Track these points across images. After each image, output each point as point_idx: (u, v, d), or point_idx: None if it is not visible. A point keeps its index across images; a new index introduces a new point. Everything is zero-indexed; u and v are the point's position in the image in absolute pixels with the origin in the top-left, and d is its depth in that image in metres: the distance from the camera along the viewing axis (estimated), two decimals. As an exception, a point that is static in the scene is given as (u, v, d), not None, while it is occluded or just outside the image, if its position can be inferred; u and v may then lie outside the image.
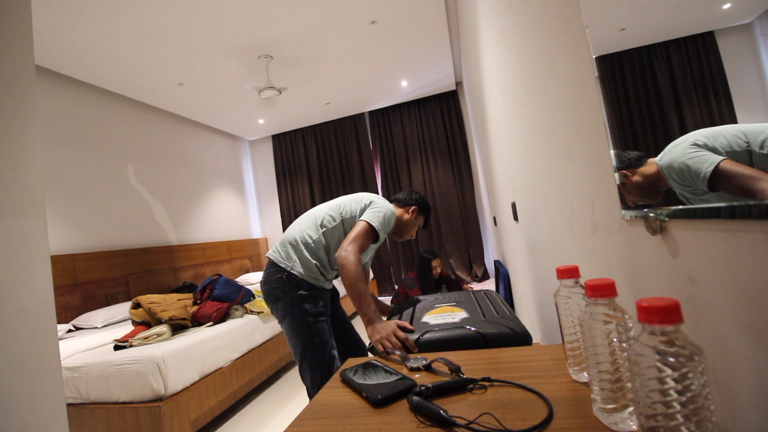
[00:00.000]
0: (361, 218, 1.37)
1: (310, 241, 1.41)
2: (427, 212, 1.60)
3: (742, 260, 0.35)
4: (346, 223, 1.43)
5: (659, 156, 0.44)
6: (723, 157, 0.35)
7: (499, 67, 1.57)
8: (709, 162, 0.36)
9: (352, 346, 1.53)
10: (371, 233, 1.35)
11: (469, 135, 5.19)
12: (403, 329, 1.00)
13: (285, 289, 1.36)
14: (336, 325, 1.51)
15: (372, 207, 1.42)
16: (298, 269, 1.38)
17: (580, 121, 0.69)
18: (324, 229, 1.43)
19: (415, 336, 0.96)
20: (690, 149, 0.39)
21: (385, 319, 1.20)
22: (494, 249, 4.43)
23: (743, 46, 0.34)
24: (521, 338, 0.90)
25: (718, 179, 0.36)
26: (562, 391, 0.57)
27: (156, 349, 1.94)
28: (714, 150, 0.36)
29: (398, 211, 1.55)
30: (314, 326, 1.34)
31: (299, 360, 1.35)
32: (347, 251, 1.25)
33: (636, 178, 0.50)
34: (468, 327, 0.95)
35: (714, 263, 0.39)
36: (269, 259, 1.44)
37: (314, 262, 1.39)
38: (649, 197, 0.50)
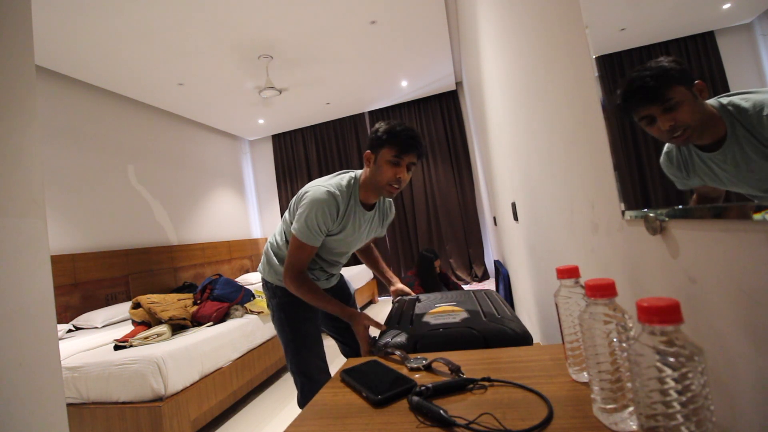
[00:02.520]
0: (292, 228, 1.19)
1: (277, 248, 1.34)
2: (384, 141, 1.16)
3: (741, 260, 0.35)
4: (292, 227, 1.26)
5: (722, 98, 0.35)
6: None
7: (499, 67, 1.57)
8: None
9: (351, 346, 1.51)
10: (301, 245, 1.17)
11: (469, 135, 5.19)
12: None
13: (268, 297, 1.37)
14: (338, 323, 1.44)
15: (300, 205, 1.18)
16: (271, 277, 1.34)
17: (580, 121, 0.69)
18: (288, 234, 1.30)
19: (403, 338, 0.97)
20: None
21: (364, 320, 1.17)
22: (494, 249, 4.43)
23: (743, 46, 0.34)
24: (522, 338, 0.90)
25: None
26: (562, 391, 0.57)
27: (156, 349, 1.94)
28: None
29: (364, 173, 1.25)
30: (291, 332, 1.30)
31: (287, 363, 1.36)
32: (284, 274, 1.19)
33: (703, 102, 0.37)
34: (469, 327, 0.95)
35: (714, 263, 0.39)
36: None
37: (282, 268, 1.28)
38: (701, 130, 0.38)
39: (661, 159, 0.43)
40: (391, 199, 1.44)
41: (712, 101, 0.35)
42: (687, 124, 0.39)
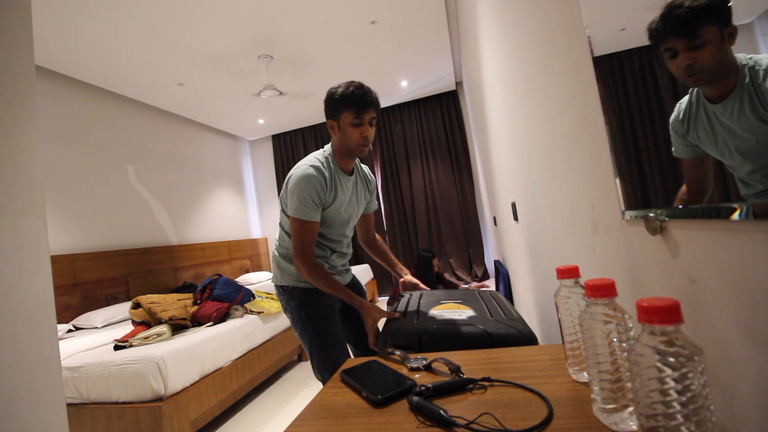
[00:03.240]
0: (288, 212, 1.24)
1: (282, 248, 1.36)
2: (339, 105, 1.20)
3: (742, 260, 0.35)
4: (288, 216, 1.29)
5: (744, 56, 0.34)
6: None
7: (498, 67, 1.57)
8: None
9: (362, 347, 1.46)
10: (302, 224, 1.20)
11: (469, 135, 5.19)
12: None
13: (285, 300, 1.36)
14: (354, 325, 1.42)
15: (288, 188, 1.24)
16: (286, 280, 1.34)
17: (580, 121, 0.69)
18: (287, 233, 1.34)
19: (409, 330, 0.97)
20: None
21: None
22: (494, 249, 4.43)
23: (743, 46, 0.34)
24: (528, 340, 0.89)
25: None
26: (562, 391, 0.57)
27: (156, 349, 1.94)
28: None
29: (332, 141, 1.31)
30: (315, 331, 1.30)
31: (312, 364, 1.35)
32: (296, 261, 1.21)
33: (728, 48, 0.35)
34: (476, 325, 0.94)
35: (714, 263, 0.39)
36: None
37: (293, 266, 1.31)
38: (713, 77, 0.38)
39: (672, 115, 0.43)
40: (367, 167, 1.49)
41: (738, 55, 0.34)
42: (704, 67, 0.38)
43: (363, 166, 1.46)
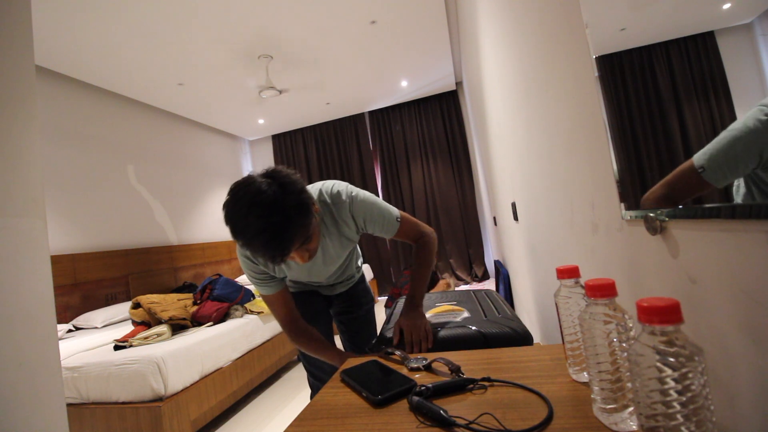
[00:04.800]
0: None
1: None
2: (232, 235, 0.80)
3: (742, 260, 0.35)
4: None
5: None
6: None
7: (499, 67, 1.57)
8: None
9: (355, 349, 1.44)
10: (265, 298, 1.10)
11: (469, 135, 5.19)
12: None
13: None
14: (347, 318, 1.40)
15: None
16: None
17: (580, 121, 0.69)
18: None
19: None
20: None
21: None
22: (494, 249, 4.43)
23: (743, 46, 0.34)
24: (522, 338, 0.90)
25: None
26: (562, 391, 0.57)
27: (156, 349, 1.94)
28: None
29: None
30: None
31: None
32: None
33: None
34: (470, 326, 0.95)
35: (714, 263, 0.39)
36: None
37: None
38: None
39: (741, 134, 0.36)
40: (346, 210, 1.04)
41: None
42: None
43: (333, 213, 1.04)
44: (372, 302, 1.48)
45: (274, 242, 0.77)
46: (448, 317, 1.05)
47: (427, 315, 1.10)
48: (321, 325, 1.27)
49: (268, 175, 0.81)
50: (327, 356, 1.09)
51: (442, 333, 0.95)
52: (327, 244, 1.07)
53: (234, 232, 0.78)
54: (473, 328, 0.94)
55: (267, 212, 0.75)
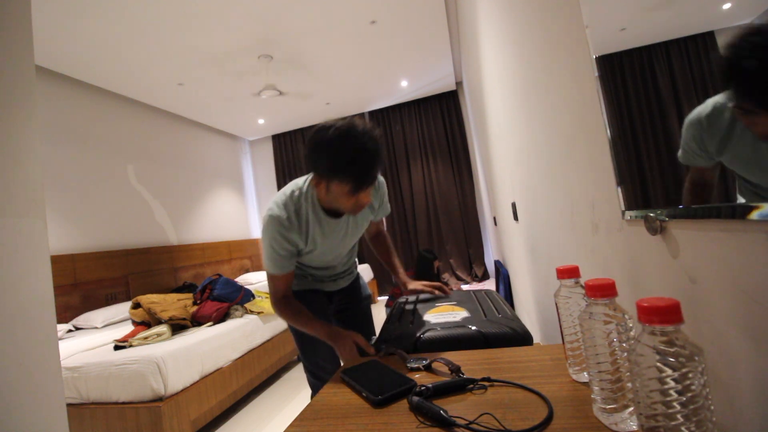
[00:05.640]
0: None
1: None
2: (336, 170, 0.92)
3: (742, 260, 0.35)
4: None
5: None
6: None
7: (499, 67, 1.57)
8: None
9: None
10: (273, 277, 1.09)
11: (469, 135, 5.19)
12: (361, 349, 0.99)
13: None
14: (344, 324, 1.41)
15: (262, 239, 1.08)
16: None
17: (580, 121, 0.69)
18: None
19: (403, 335, 0.96)
20: None
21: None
22: (494, 249, 4.43)
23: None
24: (522, 338, 0.90)
25: None
26: (562, 391, 0.57)
27: (156, 349, 1.94)
28: None
29: (318, 190, 1.04)
30: (297, 332, 1.27)
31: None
32: (270, 301, 1.15)
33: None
34: (469, 326, 0.95)
35: (714, 263, 0.39)
36: None
37: None
38: None
39: (692, 116, 0.37)
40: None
41: None
42: None
43: None
44: (369, 298, 1.50)
45: (378, 163, 0.95)
46: (447, 317, 1.05)
47: (427, 315, 1.10)
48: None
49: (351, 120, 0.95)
50: (315, 327, 1.09)
51: (442, 332, 0.95)
52: (351, 219, 1.17)
53: (358, 152, 0.90)
54: (473, 327, 0.94)
55: (376, 141, 0.95)
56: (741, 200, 0.36)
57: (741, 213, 0.34)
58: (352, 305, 1.42)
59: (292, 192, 1.07)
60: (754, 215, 0.32)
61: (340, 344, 1.05)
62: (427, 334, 0.95)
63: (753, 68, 0.30)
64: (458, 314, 1.07)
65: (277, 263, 1.06)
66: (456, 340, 0.92)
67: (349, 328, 1.39)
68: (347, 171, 0.91)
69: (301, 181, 1.10)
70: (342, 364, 1.03)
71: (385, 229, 1.45)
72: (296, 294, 1.23)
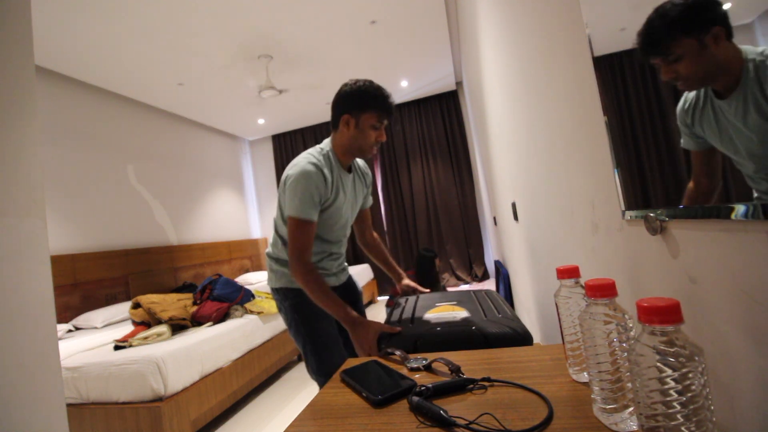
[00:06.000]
0: (286, 212, 1.18)
1: (274, 250, 1.33)
2: (366, 104, 1.17)
3: (742, 260, 0.35)
4: (283, 216, 1.25)
5: (753, 49, 0.32)
6: None
7: (499, 67, 1.57)
8: None
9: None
10: (300, 225, 1.14)
11: (469, 135, 5.19)
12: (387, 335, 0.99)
13: (279, 301, 1.34)
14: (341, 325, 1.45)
15: (286, 186, 1.17)
16: (279, 282, 1.32)
17: (580, 120, 0.69)
18: (280, 233, 1.31)
19: (403, 334, 0.96)
20: None
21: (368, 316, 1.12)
22: (494, 249, 4.43)
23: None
24: (522, 338, 0.90)
25: None
26: (562, 391, 0.57)
27: (156, 349, 1.94)
28: None
29: (335, 137, 1.26)
30: (308, 332, 1.28)
31: (307, 366, 1.34)
32: (291, 265, 1.15)
33: (720, 50, 0.34)
34: (470, 325, 0.95)
35: (714, 263, 0.39)
36: None
37: (284, 269, 1.30)
38: (701, 82, 0.37)
39: (679, 104, 0.41)
40: (362, 161, 1.44)
41: (747, 47, 0.32)
42: (687, 76, 0.38)
43: (357, 159, 1.40)
44: (362, 295, 1.56)
45: (392, 102, 1.21)
46: (448, 316, 1.05)
47: (427, 315, 1.10)
48: (331, 323, 1.33)
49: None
50: (337, 305, 1.12)
51: (442, 331, 0.95)
52: (357, 184, 1.36)
53: (378, 91, 1.18)
54: (473, 327, 0.94)
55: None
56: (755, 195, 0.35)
57: (741, 213, 0.34)
58: (350, 303, 1.43)
59: (320, 151, 1.25)
60: (736, 214, 0.34)
61: (362, 332, 1.05)
62: (427, 334, 0.95)
63: (643, 27, 0.38)
64: (458, 314, 1.07)
65: (309, 208, 1.14)
66: (456, 340, 0.92)
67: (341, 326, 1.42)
68: (374, 103, 1.18)
69: (318, 147, 1.27)
70: (358, 353, 1.05)
71: (377, 236, 1.61)
72: (301, 292, 1.24)
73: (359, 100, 1.17)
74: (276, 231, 1.35)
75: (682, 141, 0.42)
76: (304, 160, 1.18)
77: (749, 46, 0.32)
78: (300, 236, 1.14)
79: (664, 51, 0.38)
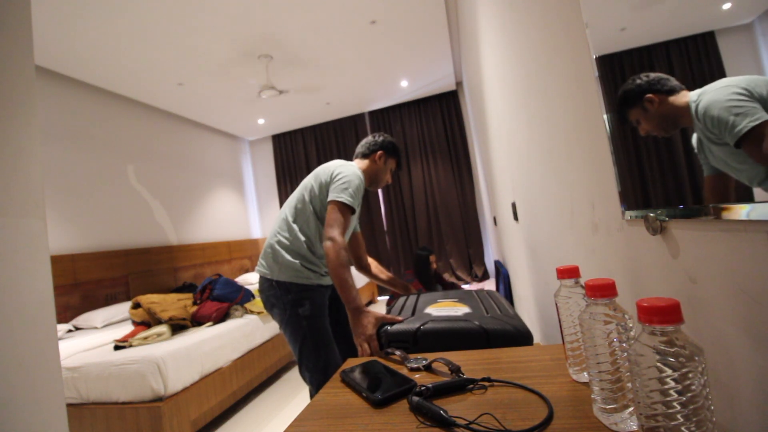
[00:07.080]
0: (330, 198, 1.29)
1: (287, 242, 1.36)
2: (395, 153, 1.53)
3: (742, 260, 0.35)
4: (316, 206, 1.37)
5: (697, 93, 0.38)
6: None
7: (499, 67, 1.57)
8: (753, 117, 0.32)
9: (350, 347, 1.48)
10: (347, 210, 1.28)
11: (469, 135, 5.19)
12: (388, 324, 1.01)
13: (277, 296, 1.34)
14: (335, 325, 1.46)
15: (338, 180, 1.32)
16: (284, 275, 1.33)
17: (581, 121, 0.69)
18: (298, 225, 1.37)
19: (404, 326, 0.96)
20: (735, 97, 0.34)
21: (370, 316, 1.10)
22: (494, 249, 4.43)
23: (743, 46, 0.34)
24: (523, 336, 0.90)
25: (750, 138, 0.32)
26: (562, 391, 0.57)
27: (156, 349, 1.94)
28: (762, 101, 0.31)
29: (363, 163, 1.50)
30: (309, 328, 1.30)
31: (298, 363, 1.34)
32: (330, 239, 1.21)
33: (662, 107, 0.44)
34: (471, 321, 0.94)
35: (714, 263, 0.39)
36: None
37: (297, 261, 1.34)
38: (665, 130, 0.46)
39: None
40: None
41: (692, 93, 0.39)
42: (652, 130, 0.48)
43: None
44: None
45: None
46: (449, 311, 1.05)
47: (428, 309, 1.11)
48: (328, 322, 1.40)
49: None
50: (354, 291, 1.18)
51: (444, 325, 0.94)
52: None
53: (400, 151, 1.58)
54: (475, 322, 0.93)
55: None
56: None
57: (741, 213, 0.34)
58: (338, 301, 1.50)
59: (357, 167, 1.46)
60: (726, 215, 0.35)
61: (364, 319, 1.08)
62: (428, 326, 0.94)
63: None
64: (460, 310, 1.07)
65: (357, 201, 1.32)
66: (457, 334, 0.91)
67: (343, 322, 1.45)
68: (398, 156, 1.56)
69: (352, 163, 1.46)
70: (355, 341, 1.08)
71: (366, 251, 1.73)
72: (309, 288, 1.33)
73: (393, 148, 1.52)
74: (294, 221, 1.38)
75: (705, 168, 0.44)
76: (354, 168, 1.39)
77: (694, 92, 0.39)
78: (345, 220, 1.27)
79: (630, 118, 0.50)
